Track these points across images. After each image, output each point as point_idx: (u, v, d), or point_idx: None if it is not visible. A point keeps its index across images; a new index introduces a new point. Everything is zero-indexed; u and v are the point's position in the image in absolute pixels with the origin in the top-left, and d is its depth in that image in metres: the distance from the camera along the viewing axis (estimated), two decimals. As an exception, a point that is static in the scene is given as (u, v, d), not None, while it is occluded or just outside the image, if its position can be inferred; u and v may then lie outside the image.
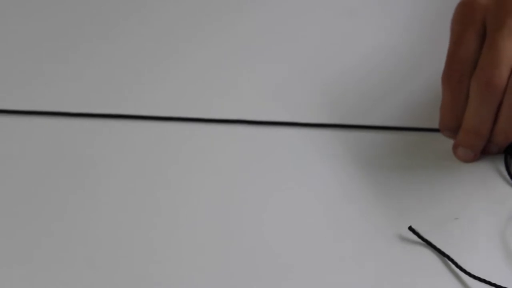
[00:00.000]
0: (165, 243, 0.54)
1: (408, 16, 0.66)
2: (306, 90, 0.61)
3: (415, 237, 0.52)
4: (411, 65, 0.62)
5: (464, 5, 0.54)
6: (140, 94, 0.62)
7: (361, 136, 0.58)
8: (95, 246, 0.53)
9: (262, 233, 0.54)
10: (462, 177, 0.55)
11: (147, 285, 0.52)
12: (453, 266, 0.51)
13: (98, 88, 0.62)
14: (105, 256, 0.53)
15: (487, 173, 0.56)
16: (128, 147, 0.59)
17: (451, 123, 0.55)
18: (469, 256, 0.51)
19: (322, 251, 0.53)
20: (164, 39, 0.65)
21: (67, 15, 0.67)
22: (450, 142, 0.56)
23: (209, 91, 0.62)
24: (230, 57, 0.64)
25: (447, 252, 0.51)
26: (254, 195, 0.56)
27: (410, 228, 0.53)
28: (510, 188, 0.55)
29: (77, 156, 0.58)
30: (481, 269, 0.51)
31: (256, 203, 0.55)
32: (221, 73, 0.63)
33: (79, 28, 0.66)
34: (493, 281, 0.50)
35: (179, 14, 0.67)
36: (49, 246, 0.54)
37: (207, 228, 0.54)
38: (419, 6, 0.66)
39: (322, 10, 0.66)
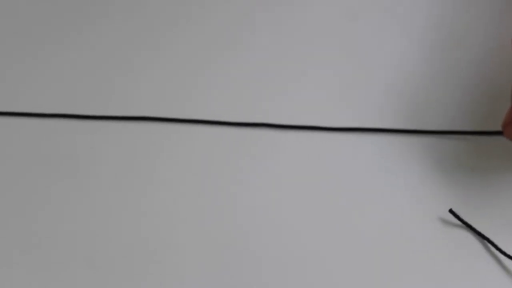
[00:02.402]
0: (165, 242, 0.52)
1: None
2: (364, 93, 0.58)
3: (455, 220, 0.53)
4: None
5: None
6: (157, 95, 0.58)
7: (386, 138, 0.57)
8: (94, 246, 0.52)
9: (280, 227, 0.53)
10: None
11: (147, 285, 0.51)
12: (492, 249, 0.52)
13: (87, 89, 0.58)
14: (104, 256, 0.52)
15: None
16: (130, 147, 0.56)
17: None
18: (510, 240, 0.52)
19: (362, 235, 0.52)
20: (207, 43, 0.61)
21: (55, 14, 0.61)
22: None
23: (254, 95, 0.58)
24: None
25: (487, 236, 0.52)
26: (256, 196, 0.54)
27: (451, 211, 0.53)
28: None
29: (74, 156, 0.56)
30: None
31: (269, 202, 0.54)
32: (272, 77, 0.59)
33: (74, 25, 0.60)
34: (531, 264, 0.52)
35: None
36: (49, 246, 0.53)
37: (209, 229, 0.53)
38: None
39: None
